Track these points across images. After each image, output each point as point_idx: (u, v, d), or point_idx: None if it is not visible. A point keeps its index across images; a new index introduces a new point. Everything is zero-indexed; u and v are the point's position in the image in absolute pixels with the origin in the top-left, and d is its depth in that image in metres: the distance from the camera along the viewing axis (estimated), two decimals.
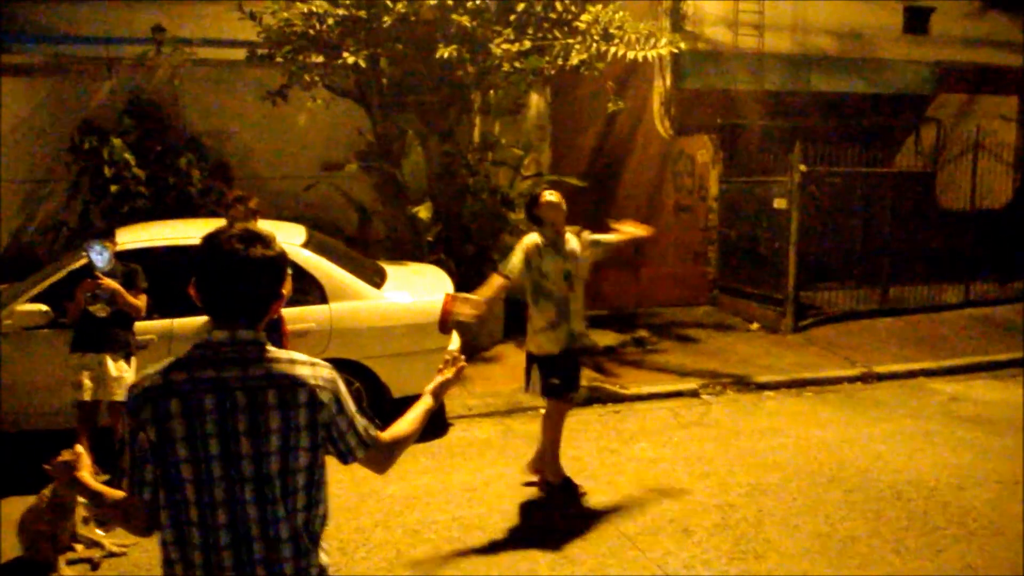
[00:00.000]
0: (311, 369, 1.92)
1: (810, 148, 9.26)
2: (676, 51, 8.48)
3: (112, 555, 4.30)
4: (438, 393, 2.32)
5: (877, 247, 10.03)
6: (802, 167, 9.06)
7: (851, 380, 7.62)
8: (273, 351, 1.91)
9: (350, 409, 1.99)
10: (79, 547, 4.30)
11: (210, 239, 1.89)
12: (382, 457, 2.10)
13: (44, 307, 5.23)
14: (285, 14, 7.70)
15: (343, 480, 4.94)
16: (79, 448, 2.00)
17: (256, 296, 1.90)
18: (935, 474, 5.32)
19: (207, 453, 1.81)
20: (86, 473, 1.96)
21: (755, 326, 9.52)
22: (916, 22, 11.63)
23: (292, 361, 1.91)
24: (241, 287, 1.87)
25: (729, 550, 4.36)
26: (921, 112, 11.87)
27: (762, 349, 8.55)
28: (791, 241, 9.14)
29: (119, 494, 1.88)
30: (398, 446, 2.14)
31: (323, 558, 1.97)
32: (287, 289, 1.99)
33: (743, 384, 7.36)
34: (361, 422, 2.02)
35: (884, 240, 10.02)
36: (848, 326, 9.34)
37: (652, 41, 8.09)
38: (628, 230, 5.10)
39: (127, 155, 7.89)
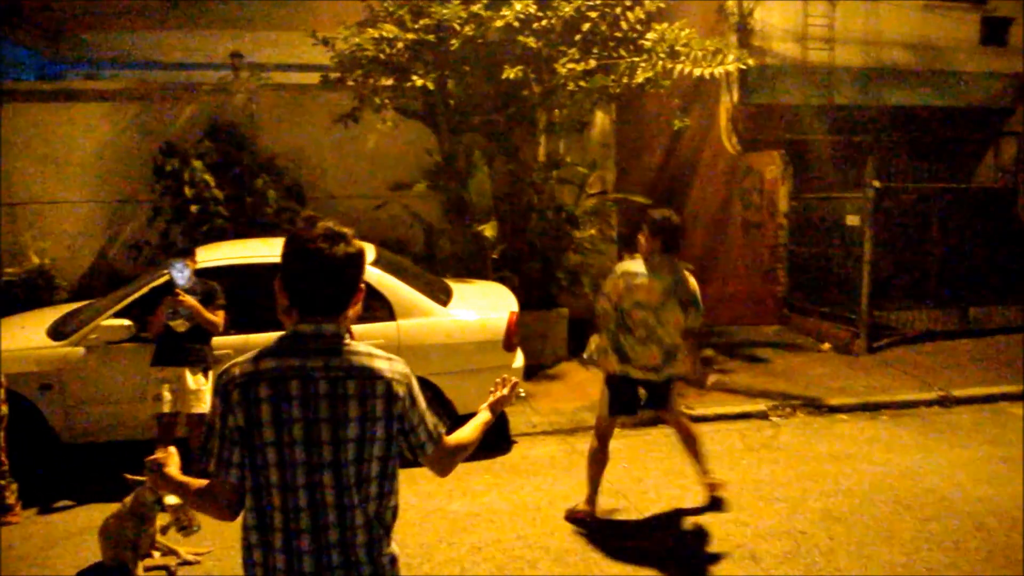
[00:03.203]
0: (388, 363, 2.02)
1: (884, 163, 9.03)
2: (743, 67, 8.39)
3: (186, 563, 4.45)
4: (495, 408, 2.48)
5: (955, 265, 9.68)
6: (876, 183, 8.82)
7: (928, 404, 7.35)
8: (353, 344, 2.01)
9: (421, 405, 2.08)
10: (156, 554, 4.46)
11: (295, 238, 1.98)
12: (445, 458, 2.19)
13: (127, 322, 5.46)
14: (356, 39, 7.92)
15: (408, 495, 5.00)
16: (172, 448, 2.15)
17: (340, 290, 1.99)
18: (1017, 504, 5.09)
19: (291, 438, 1.89)
20: (174, 468, 2.09)
21: (827, 346, 9.28)
22: (994, 33, 11.27)
23: (371, 355, 2.01)
24: (327, 283, 1.96)
25: None
26: (1000, 126, 11.47)
27: (834, 370, 8.33)
28: (865, 259, 8.91)
29: (202, 482, 1.99)
30: (459, 451, 2.24)
31: (394, 547, 2.04)
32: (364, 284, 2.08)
33: (814, 406, 7.18)
34: (431, 419, 2.12)
35: (962, 258, 9.67)
36: (925, 347, 9.03)
37: (719, 58, 8.04)
38: None
39: (206, 176, 8.21)
